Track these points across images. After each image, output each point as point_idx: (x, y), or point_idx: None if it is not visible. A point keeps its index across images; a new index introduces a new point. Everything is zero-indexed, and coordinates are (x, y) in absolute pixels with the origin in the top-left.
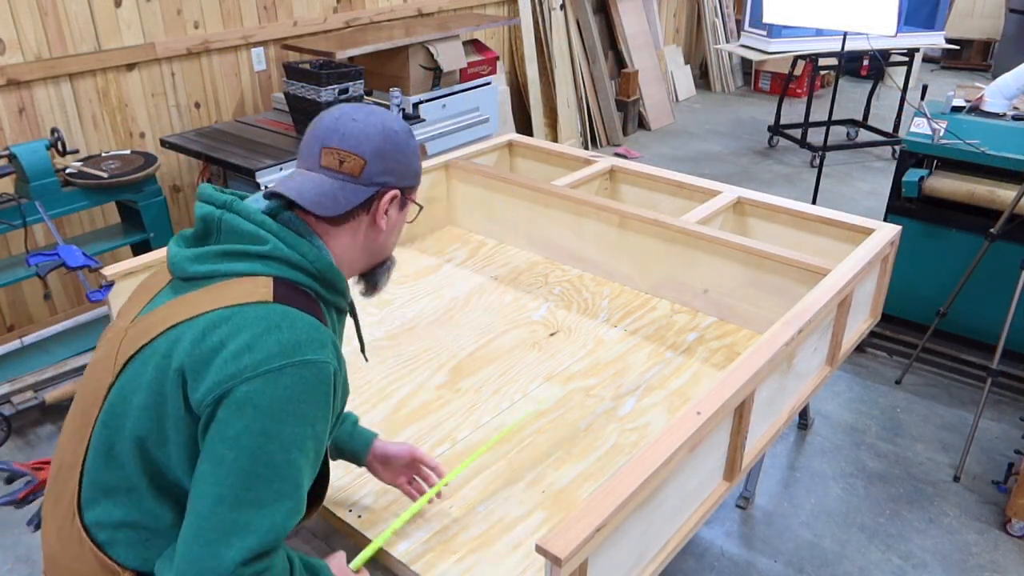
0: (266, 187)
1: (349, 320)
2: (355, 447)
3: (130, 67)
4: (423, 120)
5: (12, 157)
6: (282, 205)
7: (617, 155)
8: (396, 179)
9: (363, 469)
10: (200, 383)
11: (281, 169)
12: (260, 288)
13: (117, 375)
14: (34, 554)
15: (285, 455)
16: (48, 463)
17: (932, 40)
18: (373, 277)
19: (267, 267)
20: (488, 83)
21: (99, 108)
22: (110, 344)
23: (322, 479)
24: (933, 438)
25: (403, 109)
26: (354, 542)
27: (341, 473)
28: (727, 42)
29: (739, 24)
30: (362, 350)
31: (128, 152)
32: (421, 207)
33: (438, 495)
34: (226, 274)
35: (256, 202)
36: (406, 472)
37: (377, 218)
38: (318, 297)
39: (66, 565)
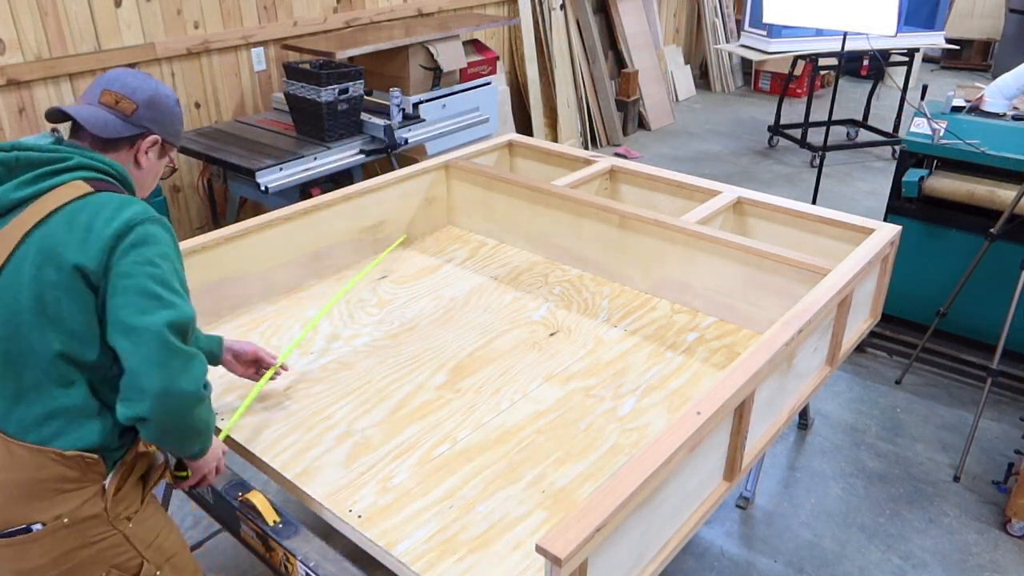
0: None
1: None
2: (211, 347)
3: (130, 67)
4: (423, 120)
5: None
6: (61, 138)
7: (617, 155)
8: (159, 128)
9: (364, 469)
10: (88, 250)
11: (281, 169)
12: (81, 188)
13: None
14: None
15: (175, 272)
16: None
17: (932, 40)
18: None
19: (79, 174)
20: (488, 83)
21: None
22: None
23: None
24: (933, 438)
25: (403, 109)
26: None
27: (341, 473)
28: (727, 42)
29: (739, 24)
30: None
31: None
32: (175, 169)
33: (277, 373)
34: (46, 190)
35: (39, 139)
36: (253, 366)
37: (139, 154)
38: (124, 189)
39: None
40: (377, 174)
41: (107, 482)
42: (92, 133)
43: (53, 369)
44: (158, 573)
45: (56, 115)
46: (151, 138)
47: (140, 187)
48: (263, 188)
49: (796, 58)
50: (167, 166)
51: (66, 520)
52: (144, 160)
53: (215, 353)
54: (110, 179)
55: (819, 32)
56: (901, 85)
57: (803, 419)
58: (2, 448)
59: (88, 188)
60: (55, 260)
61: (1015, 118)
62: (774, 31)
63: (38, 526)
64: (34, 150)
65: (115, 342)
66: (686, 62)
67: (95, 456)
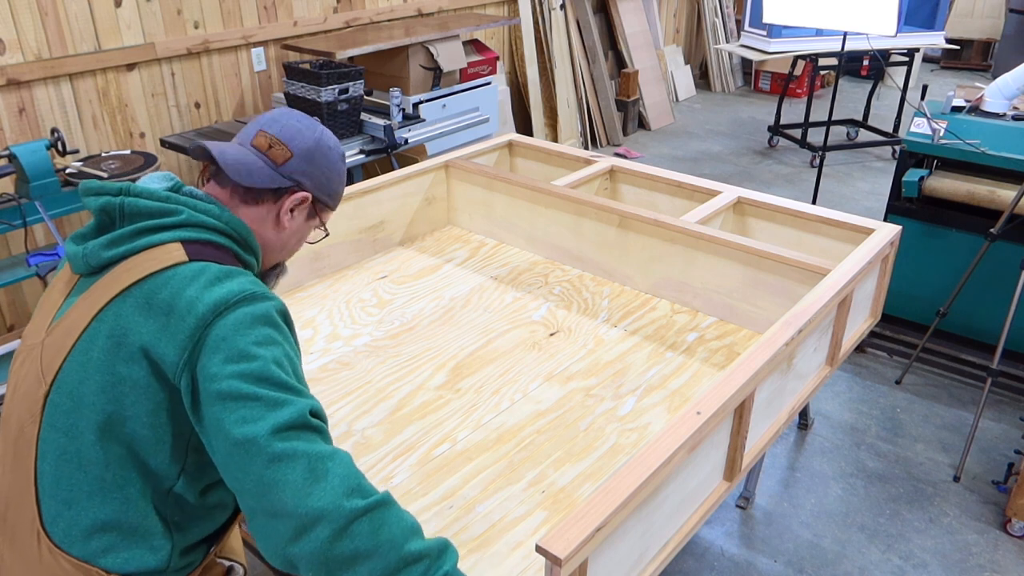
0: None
1: None
2: None
3: (130, 67)
4: (423, 120)
5: (12, 157)
6: (181, 184)
7: (617, 155)
8: (312, 185)
9: (364, 469)
10: (166, 343)
11: None
12: (173, 252)
13: (51, 384)
14: None
15: (273, 368)
16: None
17: (932, 40)
18: (264, 277)
19: (179, 233)
20: (488, 83)
21: (99, 108)
22: (29, 363)
23: None
24: (933, 438)
25: (403, 109)
26: None
27: None
28: (727, 42)
29: (739, 24)
30: None
31: (128, 152)
32: (327, 233)
33: None
34: (139, 249)
35: (152, 182)
36: None
37: (282, 212)
38: (235, 255)
39: None
40: (377, 174)
41: None
42: (233, 180)
43: (111, 474)
44: None
45: (200, 153)
46: (299, 195)
47: (277, 252)
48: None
49: (796, 58)
50: (316, 228)
51: None
52: (287, 220)
53: None
54: (221, 241)
55: (819, 32)
56: (901, 85)
57: (803, 419)
58: (48, 556)
59: (182, 255)
60: (126, 347)
61: (1015, 118)
62: (774, 31)
63: None
64: (144, 196)
65: (217, 463)
66: (686, 62)
67: None
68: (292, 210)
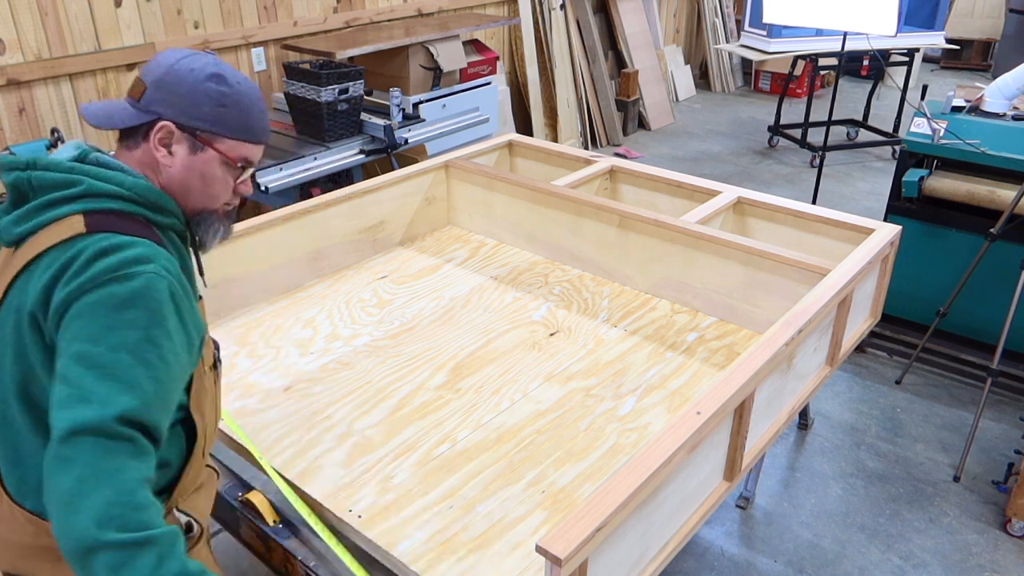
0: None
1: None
2: None
3: (130, 67)
4: (423, 120)
5: None
6: (88, 151)
7: (617, 155)
8: (173, 112)
9: (364, 469)
10: (47, 315)
11: (281, 169)
12: (74, 224)
13: None
14: None
15: (113, 355)
16: None
17: (932, 40)
18: (192, 228)
19: (84, 204)
20: (488, 83)
21: None
22: None
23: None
24: (933, 438)
25: (403, 109)
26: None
27: (342, 473)
28: (727, 42)
29: (739, 24)
30: (200, 274)
31: None
32: (240, 166)
33: None
34: (42, 225)
35: (62, 153)
36: None
37: (154, 148)
38: (148, 221)
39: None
40: (377, 174)
41: None
42: (103, 128)
43: (41, 436)
44: None
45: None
46: (159, 125)
47: (186, 196)
48: (263, 188)
49: (796, 58)
50: (224, 163)
51: None
52: (162, 157)
53: None
54: (126, 208)
55: (819, 32)
56: (901, 85)
57: (803, 419)
58: (5, 507)
59: (81, 227)
60: (26, 316)
61: (1015, 118)
62: (774, 31)
63: None
64: (50, 169)
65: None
66: (686, 62)
67: None
68: (165, 145)
